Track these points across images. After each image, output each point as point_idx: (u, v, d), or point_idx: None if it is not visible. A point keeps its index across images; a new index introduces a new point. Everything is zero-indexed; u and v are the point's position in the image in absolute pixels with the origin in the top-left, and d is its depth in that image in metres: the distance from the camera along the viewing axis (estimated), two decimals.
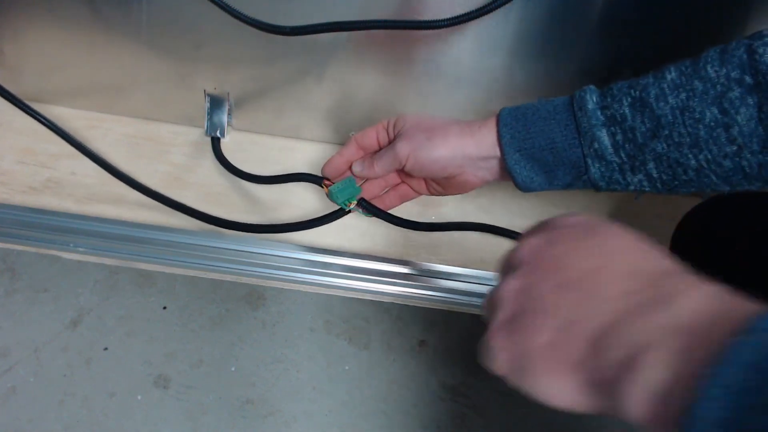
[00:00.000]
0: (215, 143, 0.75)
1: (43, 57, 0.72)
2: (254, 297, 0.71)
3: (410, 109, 0.74)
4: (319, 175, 0.60)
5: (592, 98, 0.47)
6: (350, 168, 0.58)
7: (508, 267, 0.34)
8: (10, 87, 0.74)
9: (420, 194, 0.59)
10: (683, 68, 0.45)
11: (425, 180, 0.58)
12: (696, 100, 0.44)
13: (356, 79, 0.71)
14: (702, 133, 0.44)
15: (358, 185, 0.58)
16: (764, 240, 0.54)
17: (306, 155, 0.78)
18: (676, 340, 0.24)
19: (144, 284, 0.71)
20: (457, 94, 0.72)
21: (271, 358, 0.68)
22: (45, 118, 0.64)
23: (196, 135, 0.77)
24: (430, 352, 0.70)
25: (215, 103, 0.75)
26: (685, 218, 0.61)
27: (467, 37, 0.66)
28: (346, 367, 0.69)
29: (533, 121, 0.49)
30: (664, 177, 0.47)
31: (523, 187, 0.52)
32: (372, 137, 0.57)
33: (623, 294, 0.28)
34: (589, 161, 0.48)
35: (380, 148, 0.57)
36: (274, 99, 0.75)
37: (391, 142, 0.55)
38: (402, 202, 0.60)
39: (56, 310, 0.68)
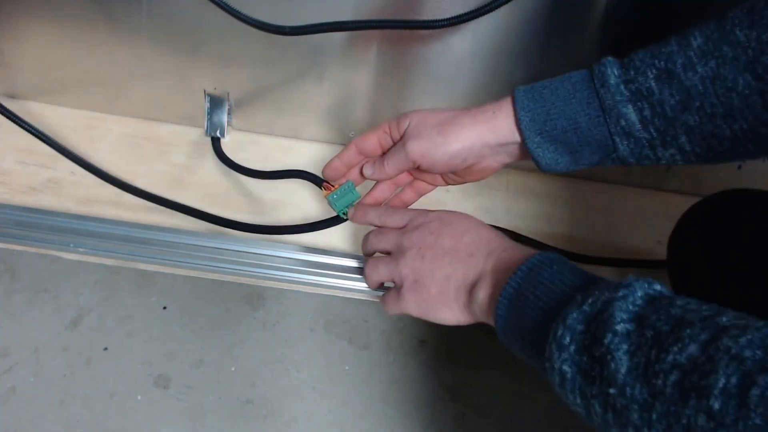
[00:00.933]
0: (215, 143, 0.75)
1: (43, 56, 0.72)
2: (254, 297, 0.71)
3: (409, 109, 0.74)
4: (320, 175, 0.59)
5: (613, 72, 0.44)
6: (360, 171, 0.56)
7: (399, 234, 0.51)
8: (10, 87, 0.74)
9: (437, 186, 0.57)
10: (708, 33, 0.42)
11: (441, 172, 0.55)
12: (727, 67, 0.41)
13: (356, 79, 0.71)
14: (736, 101, 0.41)
15: (357, 191, 0.58)
16: (763, 238, 0.54)
17: (306, 155, 0.78)
18: (492, 276, 0.45)
19: (144, 284, 0.71)
20: (456, 94, 0.72)
21: (271, 358, 0.68)
22: (39, 131, 0.63)
23: (196, 135, 0.77)
24: (430, 352, 0.70)
25: (215, 103, 0.75)
26: (684, 217, 0.61)
27: (467, 37, 0.66)
28: (346, 367, 0.69)
29: (552, 102, 0.46)
30: (698, 150, 0.44)
31: (548, 170, 0.49)
32: (373, 142, 0.54)
33: (470, 256, 0.47)
34: (617, 139, 0.45)
35: (383, 152, 0.55)
36: (274, 99, 0.75)
37: (398, 142, 0.53)
38: (420, 197, 0.58)
39: (56, 310, 0.68)
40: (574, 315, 0.36)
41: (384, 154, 0.55)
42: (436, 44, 0.67)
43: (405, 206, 0.58)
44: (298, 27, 0.61)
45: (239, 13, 0.60)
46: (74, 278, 0.70)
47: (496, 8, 0.58)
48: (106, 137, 0.74)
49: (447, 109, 0.52)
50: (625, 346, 0.33)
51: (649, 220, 0.78)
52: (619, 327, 0.33)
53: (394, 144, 0.54)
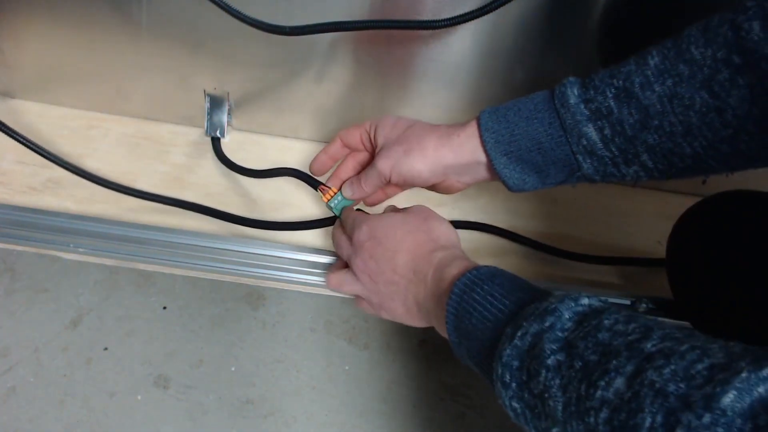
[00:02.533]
0: (215, 143, 0.75)
1: (43, 56, 0.72)
2: (254, 297, 0.71)
3: (409, 109, 0.74)
4: (315, 176, 0.60)
5: (573, 91, 0.45)
6: (340, 188, 0.59)
7: (349, 249, 0.53)
8: (10, 87, 0.74)
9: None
10: (665, 51, 0.42)
11: None
12: (684, 85, 0.41)
13: (356, 79, 0.71)
14: (694, 120, 0.41)
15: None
16: (761, 238, 0.54)
17: (306, 155, 0.78)
18: (433, 300, 0.46)
19: (144, 284, 0.71)
20: (456, 94, 0.72)
21: (271, 358, 0.68)
22: (35, 144, 0.63)
23: (196, 135, 0.77)
24: (430, 352, 0.70)
25: (215, 103, 0.75)
26: (683, 217, 0.61)
27: (467, 37, 0.66)
28: (346, 367, 0.69)
29: (516, 122, 0.47)
30: (660, 167, 0.45)
31: (516, 189, 0.50)
32: (356, 136, 0.57)
33: (409, 282, 0.49)
34: (580, 158, 0.46)
35: (363, 148, 0.58)
36: (274, 99, 0.75)
37: (373, 155, 0.55)
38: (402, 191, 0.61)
39: (56, 310, 0.68)
40: (508, 351, 0.36)
41: (360, 173, 0.57)
42: (436, 44, 0.67)
43: (388, 197, 0.61)
44: (298, 27, 0.61)
45: (239, 13, 0.60)
46: (74, 278, 0.70)
47: (496, 8, 0.58)
48: (105, 137, 0.74)
49: (420, 124, 0.53)
50: (557, 381, 0.33)
51: (649, 220, 0.78)
52: (550, 360, 0.33)
53: (371, 147, 0.56)
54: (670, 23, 0.63)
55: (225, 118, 0.76)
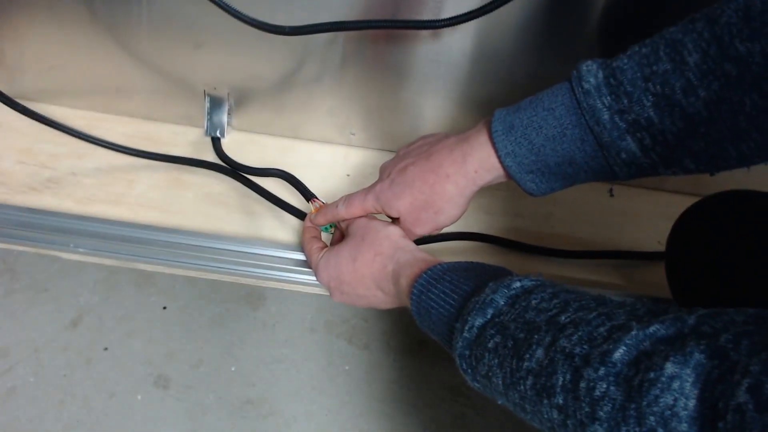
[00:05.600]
0: (216, 143, 0.75)
1: (43, 57, 0.72)
2: (254, 297, 0.71)
3: (409, 110, 0.74)
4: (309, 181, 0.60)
5: (603, 102, 0.41)
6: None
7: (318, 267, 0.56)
8: (10, 87, 0.74)
9: None
10: (704, 45, 0.38)
11: None
12: (731, 89, 0.37)
13: (356, 79, 0.71)
14: (743, 124, 0.38)
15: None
16: (759, 238, 0.54)
17: (306, 155, 0.78)
18: (407, 269, 0.48)
19: (144, 284, 0.71)
20: (456, 94, 0.72)
21: (271, 358, 0.68)
22: (41, 116, 0.64)
23: (196, 135, 0.77)
24: (430, 352, 0.70)
25: (215, 103, 0.75)
26: (682, 217, 0.61)
27: (467, 37, 0.66)
28: (346, 367, 0.69)
29: (540, 144, 0.44)
30: (702, 167, 0.42)
31: (540, 195, 0.49)
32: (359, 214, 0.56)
33: (378, 290, 0.51)
34: (617, 168, 0.44)
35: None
36: (274, 99, 0.75)
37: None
38: None
39: (56, 310, 0.68)
40: (460, 343, 0.40)
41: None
42: (436, 44, 0.67)
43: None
44: (298, 27, 0.61)
45: (239, 13, 0.60)
46: (74, 278, 0.70)
47: (496, 8, 0.58)
48: (106, 137, 0.74)
49: (417, 172, 0.51)
50: (496, 360, 0.37)
51: (649, 220, 0.78)
52: (490, 344, 0.38)
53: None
54: (670, 23, 0.63)
55: (225, 118, 0.76)
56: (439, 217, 0.52)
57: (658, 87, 0.39)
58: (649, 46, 0.41)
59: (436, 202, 0.51)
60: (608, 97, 0.41)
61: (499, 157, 0.47)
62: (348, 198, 0.56)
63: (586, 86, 0.42)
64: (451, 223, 0.53)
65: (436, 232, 0.55)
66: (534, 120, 0.45)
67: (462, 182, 0.50)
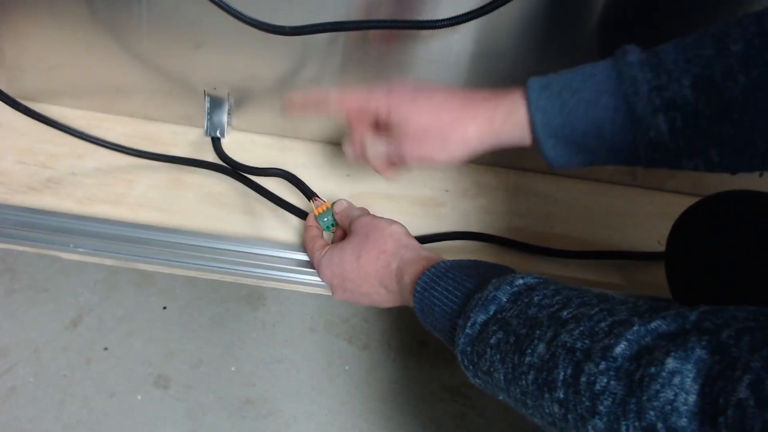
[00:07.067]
0: (216, 143, 0.75)
1: (43, 57, 0.72)
2: (254, 297, 0.71)
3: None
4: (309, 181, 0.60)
5: (645, 76, 0.41)
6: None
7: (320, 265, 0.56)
8: (10, 87, 0.74)
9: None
10: (748, 36, 0.38)
11: None
12: None
13: (356, 79, 0.71)
14: None
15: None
16: (759, 238, 0.54)
17: (305, 155, 0.78)
18: (410, 267, 0.48)
19: (144, 284, 0.71)
20: None
21: (271, 358, 0.68)
22: (41, 116, 0.64)
23: (196, 135, 0.77)
24: (430, 352, 0.70)
25: (215, 103, 0.75)
26: (682, 217, 0.61)
27: (467, 37, 0.66)
28: (346, 367, 0.69)
29: (572, 105, 0.43)
30: (726, 162, 0.41)
31: (558, 167, 0.47)
32: (357, 106, 0.52)
33: (381, 287, 0.52)
34: (641, 148, 0.42)
35: (365, 121, 0.53)
36: (274, 99, 0.75)
37: (390, 134, 0.51)
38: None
39: (56, 310, 0.68)
40: (462, 340, 0.41)
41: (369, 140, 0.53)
42: (436, 44, 0.67)
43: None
44: (298, 27, 0.61)
45: (239, 13, 0.60)
46: (74, 278, 0.70)
47: (496, 8, 0.58)
48: (106, 137, 0.74)
49: (446, 100, 0.49)
50: (498, 356, 0.38)
51: (649, 220, 0.78)
52: (492, 340, 0.38)
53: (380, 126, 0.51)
54: (671, 22, 0.63)
55: (225, 118, 0.76)
56: (441, 150, 0.48)
57: (698, 68, 0.39)
58: (693, 36, 0.41)
59: (450, 135, 0.48)
60: (649, 73, 0.41)
61: (529, 110, 0.45)
62: (345, 89, 0.52)
63: (630, 59, 0.42)
64: (444, 164, 0.50)
65: (423, 164, 0.51)
66: (571, 83, 0.44)
67: (485, 129, 0.47)
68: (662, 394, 0.28)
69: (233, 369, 0.68)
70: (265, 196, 0.70)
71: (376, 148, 0.53)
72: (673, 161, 0.43)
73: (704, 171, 0.43)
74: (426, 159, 0.50)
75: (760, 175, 0.73)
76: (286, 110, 0.58)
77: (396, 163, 0.53)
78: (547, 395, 0.34)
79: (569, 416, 0.33)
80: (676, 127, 0.41)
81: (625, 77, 0.41)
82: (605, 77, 0.42)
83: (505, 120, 0.46)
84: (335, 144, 0.79)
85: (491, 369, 0.38)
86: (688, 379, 0.28)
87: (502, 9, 0.58)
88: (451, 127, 0.48)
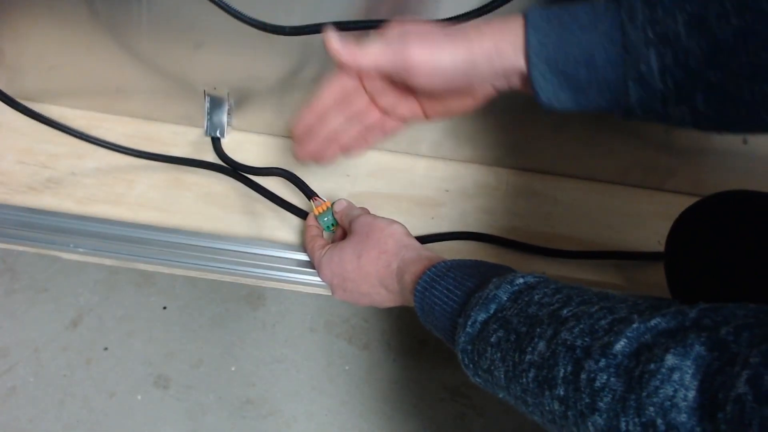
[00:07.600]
0: (216, 143, 0.75)
1: (43, 57, 0.72)
2: (254, 297, 0.71)
3: None
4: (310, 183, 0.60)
5: (642, 6, 0.40)
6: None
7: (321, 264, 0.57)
8: (10, 87, 0.74)
9: (405, 122, 0.53)
10: None
11: (419, 101, 0.51)
12: (762, 24, 0.38)
13: None
14: (765, 62, 0.38)
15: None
16: (760, 238, 0.54)
17: None
18: (411, 267, 0.49)
19: (144, 284, 0.71)
20: None
21: (271, 358, 0.68)
22: (41, 116, 0.64)
23: (196, 135, 0.77)
24: (430, 352, 0.70)
25: (215, 103, 0.75)
26: (681, 217, 0.61)
27: None
28: (346, 367, 0.69)
29: (569, 27, 0.42)
30: (711, 112, 0.41)
31: (547, 105, 0.45)
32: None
33: (382, 287, 0.53)
34: (631, 84, 0.41)
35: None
36: (274, 99, 0.75)
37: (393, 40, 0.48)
38: (384, 137, 0.54)
39: (56, 310, 0.68)
40: (462, 338, 0.41)
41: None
42: None
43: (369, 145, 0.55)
44: (298, 27, 0.61)
45: (239, 13, 0.60)
46: (74, 278, 0.71)
47: (496, 8, 0.58)
48: (106, 137, 0.74)
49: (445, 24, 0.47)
50: (498, 354, 0.38)
51: (649, 220, 0.78)
52: (493, 339, 0.39)
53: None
54: None
55: (225, 118, 0.76)
56: (445, 44, 0.45)
57: (694, 6, 0.40)
58: None
59: (436, 32, 0.46)
60: (646, 8, 0.41)
61: (525, 31, 0.43)
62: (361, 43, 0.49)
63: None
64: (425, 81, 0.46)
65: (429, 76, 0.46)
66: (573, 8, 0.43)
67: (486, 37, 0.45)
68: (662, 390, 0.28)
69: (233, 369, 0.68)
70: (265, 196, 0.70)
71: (378, 44, 0.49)
72: (660, 107, 0.42)
73: (690, 127, 0.42)
74: (429, 61, 0.45)
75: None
76: (299, 154, 0.54)
77: (387, 68, 0.48)
78: (547, 392, 0.34)
79: (569, 413, 0.33)
80: (665, 64, 0.40)
81: (623, 4, 0.41)
82: (604, 7, 0.42)
83: (504, 39, 0.44)
84: None
85: (492, 367, 0.39)
86: (688, 375, 0.28)
87: (502, 9, 0.58)
88: (452, 30, 0.46)
